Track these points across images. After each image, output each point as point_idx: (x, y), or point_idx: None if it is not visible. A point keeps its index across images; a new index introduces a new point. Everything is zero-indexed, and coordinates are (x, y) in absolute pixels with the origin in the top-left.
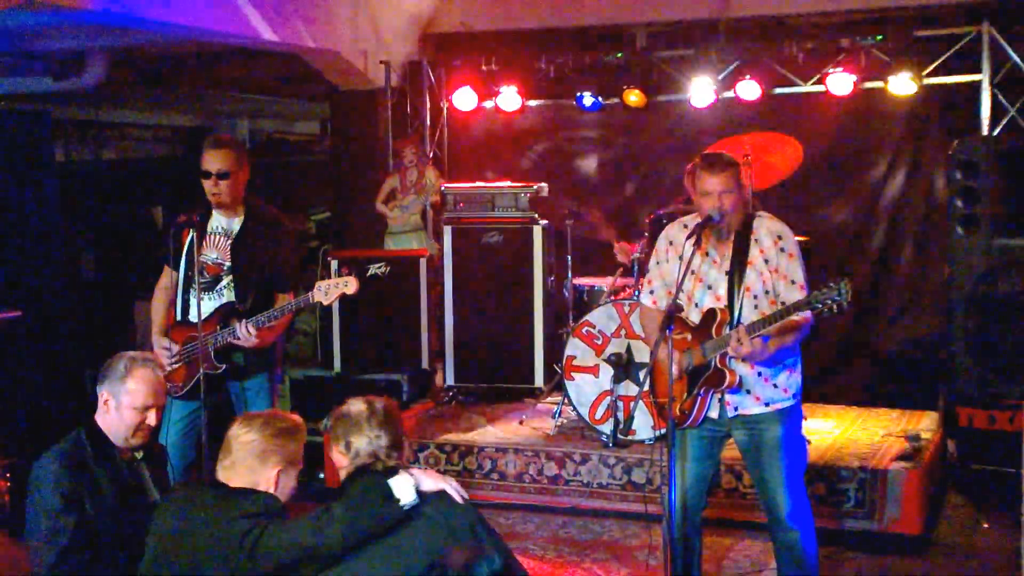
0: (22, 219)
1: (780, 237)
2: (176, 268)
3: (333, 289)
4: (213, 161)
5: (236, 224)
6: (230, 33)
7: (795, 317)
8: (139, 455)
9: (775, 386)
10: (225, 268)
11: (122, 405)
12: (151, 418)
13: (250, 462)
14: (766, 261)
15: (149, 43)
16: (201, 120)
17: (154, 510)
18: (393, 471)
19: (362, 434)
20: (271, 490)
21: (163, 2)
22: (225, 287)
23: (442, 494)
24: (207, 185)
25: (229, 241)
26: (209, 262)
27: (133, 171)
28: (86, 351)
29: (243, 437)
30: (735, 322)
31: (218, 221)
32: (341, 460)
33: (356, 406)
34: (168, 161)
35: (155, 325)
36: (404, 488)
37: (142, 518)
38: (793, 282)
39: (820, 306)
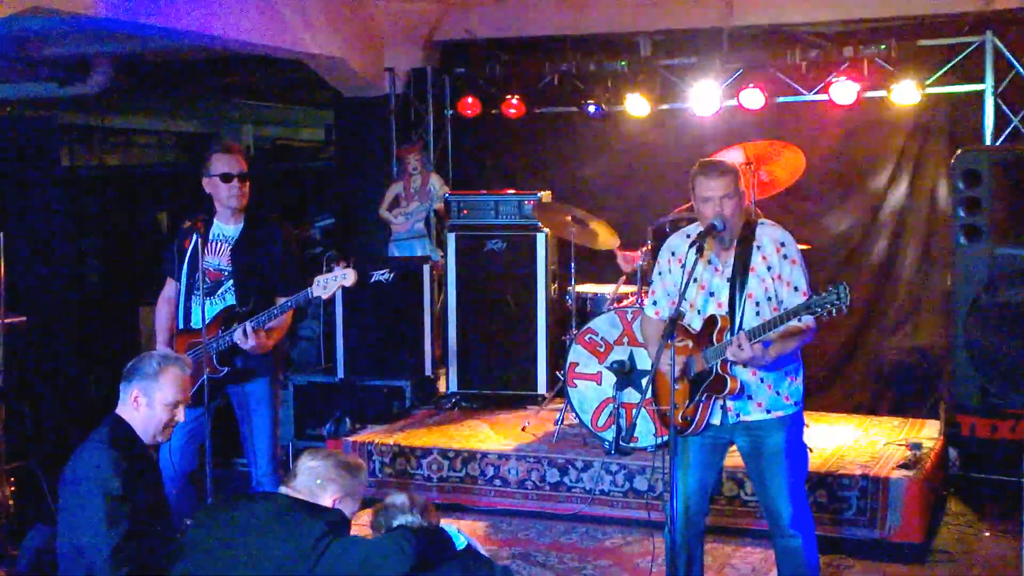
0: (27, 224)
1: (783, 244)
2: (177, 278)
3: (332, 283)
4: (233, 164)
5: (236, 230)
6: (236, 40)
7: (797, 323)
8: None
9: (777, 393)
10: (226, 273)
11: (155, 402)
12: (180, 414)
13: (311, 487)
14: (768, 268)
15: (154, 49)
16: (206, 126)
17: (197, 516)
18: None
19: (405, 516)
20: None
21: (168, 9)
22: (227, 292)
23: (470, 547)
24: (227, 188)
25: (230, 247)
26: (211, 268)
27: (138, 177)
28: (91, 356)
29: (308, 463)
30: (737, 328)
31: (219, 228)
32: None
33: (400, 498)
34: (173, 167)
35: (159, 335)
36: (457, 533)
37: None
38: (796, 288)
39: (820, 310)
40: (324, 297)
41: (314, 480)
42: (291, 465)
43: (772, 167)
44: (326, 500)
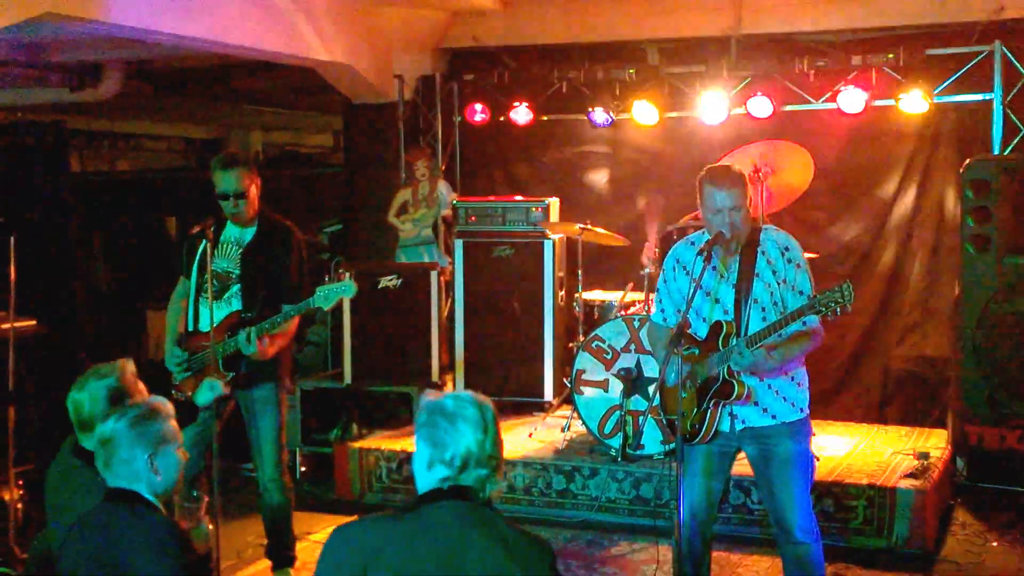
0: (37, 228)
1: (787, 248)
2: (189, 277)
3: (333, 294)
4: (229, 182)
5: (248, 234)
6: (246, 46)
7: (802, 327)
8: None
9: (784, 399)
10: (234, 277)
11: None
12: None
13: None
14: (774, 273)
15: (164, 56)
16: (215, 132)
17: None
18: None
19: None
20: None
21: (179, 15)
22: (233, 296)
23: None
24: (226, 206)
25: (240, 250)
26: (219, 271)
27: (148, 182)
28: (100, 360)
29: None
30: (743, 334)
31: (231, 231)
32: None
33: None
34: (182, 172)
35: (169, 334)
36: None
37: None
38: (801, 293)
39: (823, 308)
40: (325, 308)
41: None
42: (297, 470)
43: (782, 173)
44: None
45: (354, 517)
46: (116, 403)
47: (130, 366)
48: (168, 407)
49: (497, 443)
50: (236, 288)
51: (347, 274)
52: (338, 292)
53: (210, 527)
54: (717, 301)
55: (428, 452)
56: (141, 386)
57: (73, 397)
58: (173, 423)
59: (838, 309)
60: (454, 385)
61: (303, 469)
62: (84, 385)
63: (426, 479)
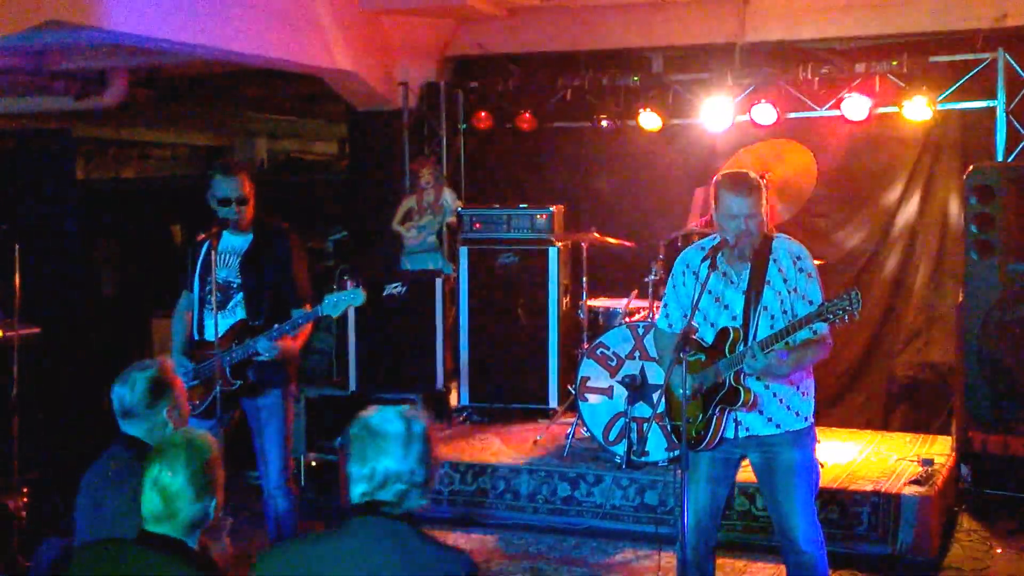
0: (43, 236)
1: (799, 258)
2: (192, 290)
3: (342, 302)
4: (232, 188)
5: (245, 242)
6: (250, 54)
7: (812, 335)
8: None
9: (789, 407)
10: (236, 286)
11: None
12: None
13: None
14: (784, 281)
15: (169, 63)
16: (220, 139)
17: None
18: None
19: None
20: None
21: (184, 23)
22: (238, 305)
23: None
24: (227, 212)
25: (239, 259)
26: (220, 281)
27: (153, 189)
28: (105, 368)
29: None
30: (750, 341)
31: (228, 240)
32: None
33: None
34: (187, 180)
35: (175, 345)
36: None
37: None
38: (811, 302)
39: (832, 316)
40: (334, 316)
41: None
42: (302, 478)
43: (784, 170)
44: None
45: None
46: (156, 395)
47: (170, 362)
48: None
49: (423, 459)
50: (239, 297)
51: (356, 282)
52: (347, 300)
53: (229, 549)
54: (726, 307)
55: (352, 467)
56: (179, 381)
57: (116, 390)
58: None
59: (846, 316)
60: (458, 392)
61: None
62: (126, 378)
63: (351, 494)
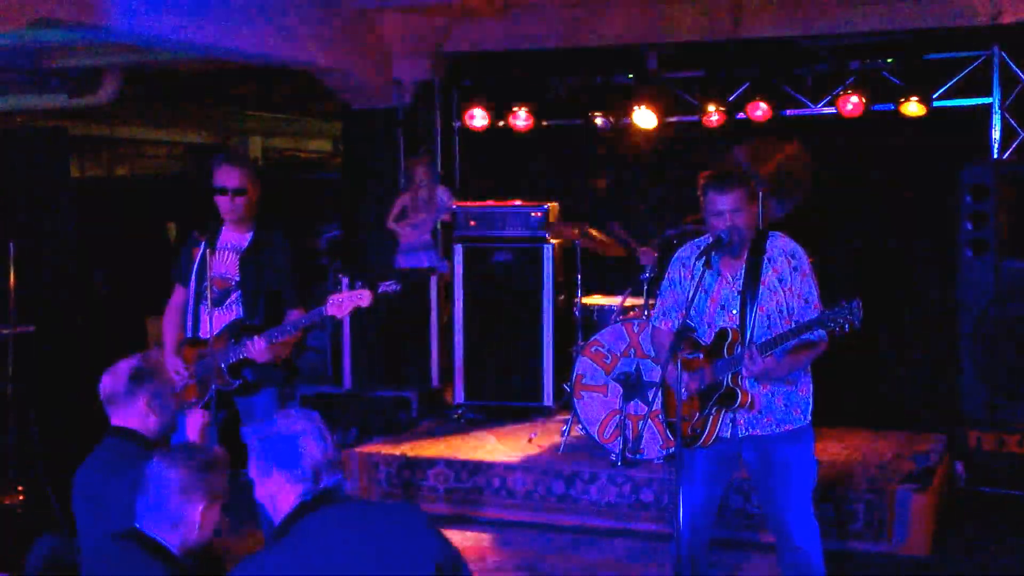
0: (37, 234)
1: (793, 256)
2: (186, 285)
3: (347, 302)
4: (230, 178)
5: (245, 240)
6: (245, 52)
7: (810, 337)
8: None
9: (787, 406)
10: (234, 283)
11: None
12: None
13: (175, 500)
14: (780, 280)
15: (163, 61)
16: (215, 137)
17: None
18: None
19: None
20: (196, 529)
21: (178, 21)
22: (234, 302)
23: None
24: (223, 202)
25: (238, 257)
26: (218, 277)
27: (147, 187)
28: (99, 366)
29: (163, 473)
30: (748, 341)
31: (227, 237)
32: None
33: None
34: (181, 178)
35: (167, 344)
36: None
37: None
38: (807, 301)
39: (832, 325)
40: (339, 316)
41: (175, 494)
42: None
43: (775, 168)
44: (194, 515)
45: None
46: (136, 381)
47: (156, 354)
48: (222, 460)
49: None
50: (237, 295)
51: (362, 283)
52: (352, 301)
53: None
54: (722, 306)
55: (280, 474)
56: (166, 375)
57: (103, 379)
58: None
59: (846, 326)
60: (454, 390)
61: None
62: (112, 368)
63: (286, 500)
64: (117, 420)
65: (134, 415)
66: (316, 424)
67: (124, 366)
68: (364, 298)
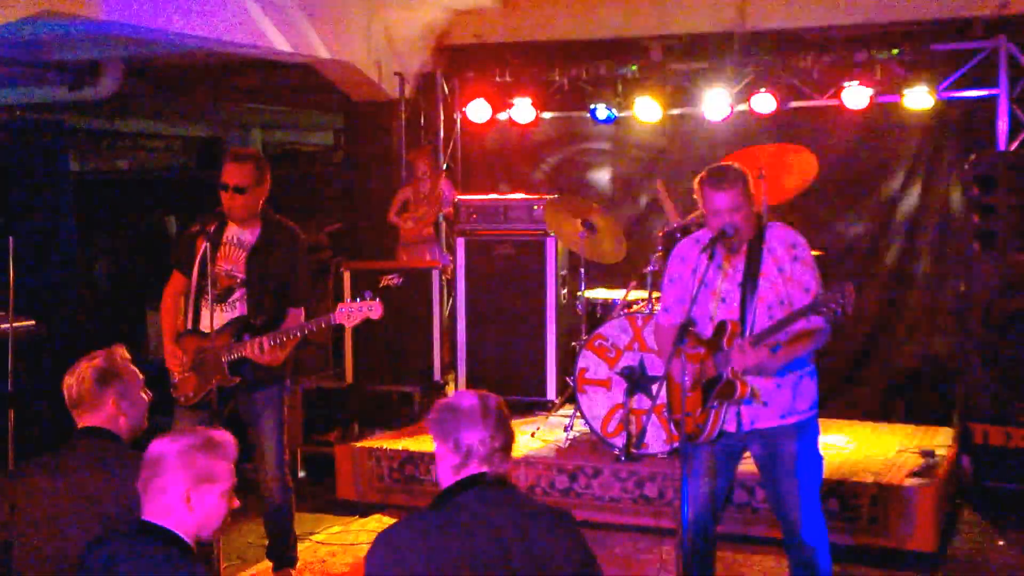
0: (37, 228)
1: (794, 245)
2: (188, 275)
3: (357, 313)
4: (232, 175)
5: (252, 236)
6: (245, 44)
7: (807, 325)
8: None
9: (792, 398)
10: (239, 281)
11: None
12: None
13: (181, 487)
14: (780, 270)
15: (164, 54)
16: (215, 131)
17: None
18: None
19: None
20: (207, 515)
21: (179, 13)
22: (238, 299)
23: None
24: (224, 198)
25: (244, 253)
26: (222, 273)
27: (147, 181)
28: None
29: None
30: (748, 333)
31: (233, 232)
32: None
33: (468, 399)
34: (182, 171)
35: (165, 331)
36: None
37: None
38: (807, 290)
39: (824, 309)
40: (348, 325)
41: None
42: (298, 470)
43: (784, 175)
44: (207, 498)
45: (355, 518)
46: (102, 382)
47: (121, 350)
48: (230, 445)
49: (501, 428)
50: (241, 292)
51: (372, 294)
52: (362, 312)
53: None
54: (723, 300)
55: (442, 447)
56: (133, 368)
57: (65, 381)
58: (230, 464)
59: (838, 310)
60: (455, 384)
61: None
62: (74, 369)
63: (448, 474)
64: (85, 422)
65: (103, 417)
66: (484, 407)
67: (87, 366)
68: (375, 310)
